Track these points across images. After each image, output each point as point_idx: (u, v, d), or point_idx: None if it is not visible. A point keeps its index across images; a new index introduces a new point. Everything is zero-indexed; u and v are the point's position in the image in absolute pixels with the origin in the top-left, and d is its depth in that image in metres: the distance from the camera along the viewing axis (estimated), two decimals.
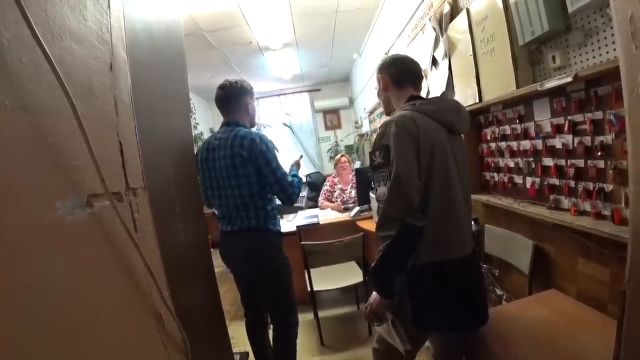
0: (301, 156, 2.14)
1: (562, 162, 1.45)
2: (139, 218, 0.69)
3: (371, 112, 5.09)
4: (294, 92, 7.26)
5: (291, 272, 1.81)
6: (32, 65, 0.48)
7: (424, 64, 2.52)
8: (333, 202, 3.63)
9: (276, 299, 1.79)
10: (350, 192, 3.57)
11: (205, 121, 6.77)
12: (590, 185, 1.32)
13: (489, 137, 1.96)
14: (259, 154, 1.62)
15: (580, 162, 1.36)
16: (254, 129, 1.81)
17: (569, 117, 1.38)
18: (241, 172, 1.63)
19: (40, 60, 0.49)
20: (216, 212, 1.79)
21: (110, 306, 0.58)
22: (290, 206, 1.81)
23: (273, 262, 1.74)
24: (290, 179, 1.72)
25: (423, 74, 1.39)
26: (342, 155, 3.79)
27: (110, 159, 0.64)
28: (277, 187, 1.67)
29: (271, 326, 1.87)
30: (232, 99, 1.74)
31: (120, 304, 0.62)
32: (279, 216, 1.85)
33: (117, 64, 0.70)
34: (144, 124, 0.82)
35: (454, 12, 2.15)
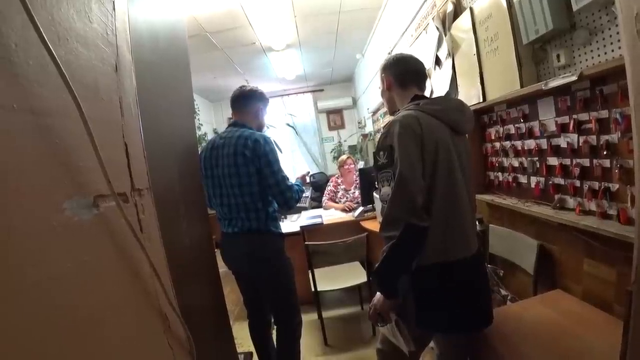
0: (308, 172, 2.15)
1: (567, 161, 1.44)
2: (144, 219, 0.70)
3: (374, 112, 5.09)
4: (297, 93, 7.27)
5: (293, 273, 1.81)
6: (39, 67, 0.48)
7: (428, 63, 2.51)
8: (337, 202, 3.63)
9: (279, 300, 1.79)
10: (354, 192, 3.57)
11: (209, 122, 6.79)
12: (596, 185, 1.31)
13: (493, 137, 1.96)
14: (262, 155, 1.63)
15: (586, 162, 1.35)
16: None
17: (574, 116, 1.37)
18: (243, 172, 1.64)
19: (47, 62, 0.49)
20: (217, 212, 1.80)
21: (116, 306, 0.59)
22: (287, 210, 1.80)
23: (275, 264, 1.74)
24: (289, 183, 1.72)
25: (427, 74, 1.39)
26: (347, 157, 3.76)
27: (116, 160, 0.64)
28: (276, 189, 1.67)
29: (274, 326, 1.88)
30: (246, 99, 1.80)
31: (126, 304, 0.62)
32: (282, 217, 1.85)
33: (122, 66, 0.70)
34: (148, 125, 0.82)
35: (457, 12, 2.14)
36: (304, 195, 1.84)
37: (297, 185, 1.79)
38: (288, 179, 1.73)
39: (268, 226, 1.71)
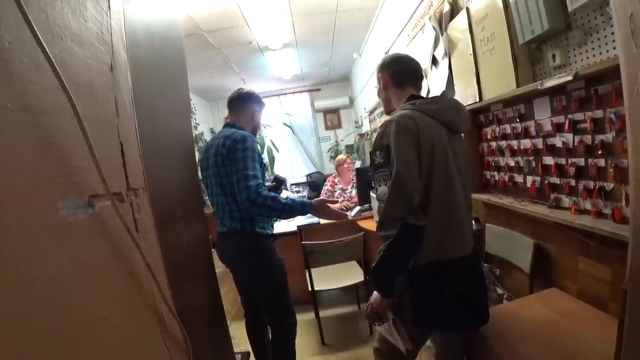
0: (279, 177, 2.02)
1: (563, 160, 1.45)
2: (140, 218, 0.69)
3: (371, 112, 5.09)
4: (294, 92, 7.25)
5: (285, 274, 1.77)
6: (33, 66, 0.48)
7: (424, 63, 2.52)
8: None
9: (271, 302, 1.78)
10: (351, 192, 3.57)
11: (206, 121, 6.77)
12: (591, 184, 1.32)
13: (489, 136, 1.96)
14: (233, 152, 1.58)
15: (581, 161, 1.36)
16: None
17: (570, 116, 1.37)
18: (222, 172, 1.63)
19: (41, 61, 0.49)
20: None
21: (112, 306, 0.58)
22: (247, 210, 1.61)
23: (263, 265, 1.71)
24: (250, 183, 1.53)
25: (423, 74, 1.39)
26: (346, 157, 3.77)
27: (111, 160, 0.64)
28: (237, 186, 1.56)
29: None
30: (243, 100, 1.81)
31: (122, 304, 0.62)
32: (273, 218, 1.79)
33: (118, 65, 0.70)
34: (144, 124, 0.82)
35: (453, 12, 2.15)
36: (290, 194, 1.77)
37: (275, 194, 1.60)
38: (252, 178, 1.54)
39: (253, 227, 1.66)
